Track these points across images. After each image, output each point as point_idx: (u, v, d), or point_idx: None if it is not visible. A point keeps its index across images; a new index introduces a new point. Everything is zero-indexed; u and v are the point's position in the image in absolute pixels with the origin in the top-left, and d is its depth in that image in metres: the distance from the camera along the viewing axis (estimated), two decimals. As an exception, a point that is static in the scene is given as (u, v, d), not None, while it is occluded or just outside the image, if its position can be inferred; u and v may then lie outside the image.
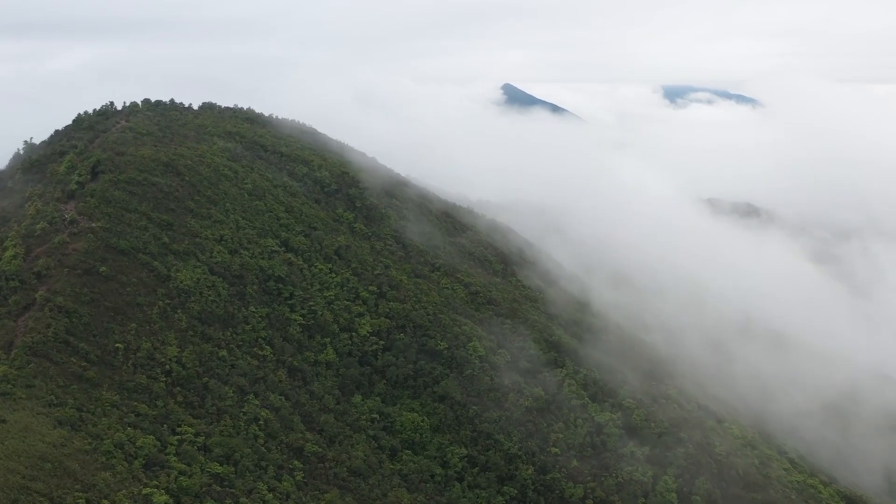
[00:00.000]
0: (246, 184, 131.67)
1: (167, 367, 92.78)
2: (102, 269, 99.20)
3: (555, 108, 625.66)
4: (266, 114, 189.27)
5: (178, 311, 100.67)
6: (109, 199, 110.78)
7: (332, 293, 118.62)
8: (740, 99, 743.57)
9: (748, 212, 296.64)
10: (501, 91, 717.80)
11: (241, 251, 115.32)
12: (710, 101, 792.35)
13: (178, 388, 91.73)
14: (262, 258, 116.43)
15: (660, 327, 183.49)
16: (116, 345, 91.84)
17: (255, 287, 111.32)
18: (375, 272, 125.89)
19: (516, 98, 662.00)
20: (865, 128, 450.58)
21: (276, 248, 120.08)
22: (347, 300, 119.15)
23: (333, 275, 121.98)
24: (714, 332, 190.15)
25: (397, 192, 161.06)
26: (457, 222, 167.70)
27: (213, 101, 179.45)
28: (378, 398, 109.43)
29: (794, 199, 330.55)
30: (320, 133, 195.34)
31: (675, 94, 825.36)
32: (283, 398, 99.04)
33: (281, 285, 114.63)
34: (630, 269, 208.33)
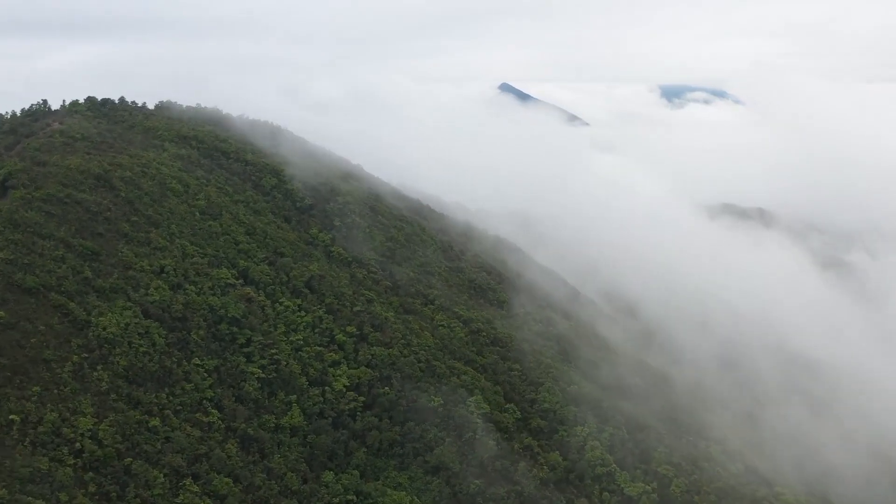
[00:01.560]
0: (199, 199, 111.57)
1: (78, 444, 72.77)
2: (0, 313, 79.05)
3: (552, 108, 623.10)
4: (236, 114, 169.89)
5: (99, 367, 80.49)
6: (18, 222, 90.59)
7: (300, 337, 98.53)
8: (738, 98, 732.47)
9: (753, 216, 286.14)
10: (499, 90, 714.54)
11: (187, 286, 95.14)
12: (707, 101, 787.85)
13: (91, 474, 71.83)
14: (213, 294, 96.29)
15: (678, 357, 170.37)
16: (11, 417, 71.79)
17: (201, 332, 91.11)
18: (355, 308, 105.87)
19: (514, 97, 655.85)
20: (867, 128, 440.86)
21: (232, 281, 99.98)
22: (320, 345, 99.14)
23: (303, 313, 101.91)
24: (736, 358, 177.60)
25: (385, 207, 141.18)
26: (454, 241, 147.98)
27: (189, 101, 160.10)
28: (356, 472, 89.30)
29: (794, 200, 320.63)
30: (299, 137, 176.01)
31: (672, 94, 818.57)
32: (231, 481, 79.06)
33: (235, 329, 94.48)
34: (637, 284, 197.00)
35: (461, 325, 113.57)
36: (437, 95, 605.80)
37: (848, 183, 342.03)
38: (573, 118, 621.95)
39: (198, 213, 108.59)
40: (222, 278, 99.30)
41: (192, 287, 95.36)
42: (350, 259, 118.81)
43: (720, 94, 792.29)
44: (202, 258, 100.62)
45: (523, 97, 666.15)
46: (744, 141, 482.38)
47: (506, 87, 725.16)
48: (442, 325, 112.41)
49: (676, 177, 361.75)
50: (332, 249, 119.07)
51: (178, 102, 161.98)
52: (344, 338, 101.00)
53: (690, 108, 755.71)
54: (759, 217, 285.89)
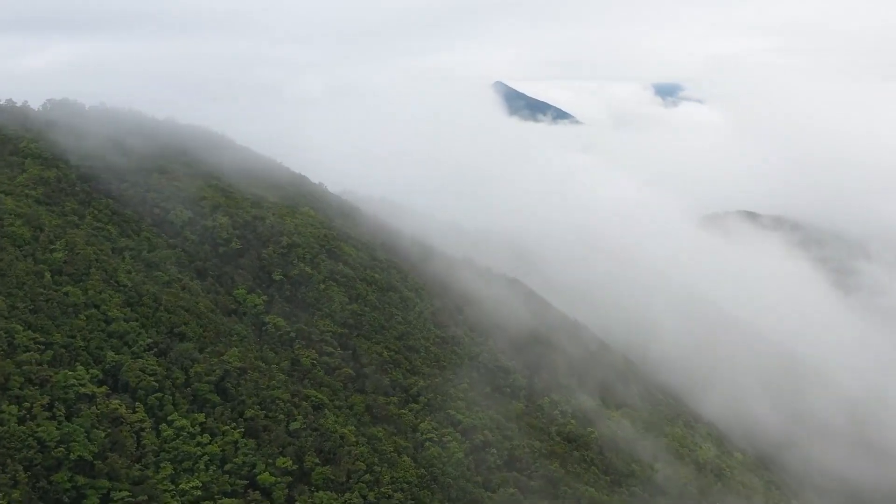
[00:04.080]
0: (54, 251, 75.94)
1: None
2: None
3: (547, 108, 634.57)
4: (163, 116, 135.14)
5: None
6: None
7: (196, 483, 62.91)
8: (733, 97, 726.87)
9: (749, 220, 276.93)
10: (493, 90, 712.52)
11: (4, 407, 59.35)
12: (701, 100, 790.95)
13: None
14: (51, 418, 60.59)
15: (727, 422, 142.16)
16: None
17: (17, 494, 55.32)
18: (293, 425, 70.38)
19: (508, 97, 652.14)
20: (866, 127, 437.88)
21: (90, 390, 64.20)
22: (230, 495, 63.48)
23: (206, 439, 66.32)
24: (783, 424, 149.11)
25: (348, 248, 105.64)
26: (448, 291, 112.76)
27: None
28: None
29: (793, 203, 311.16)
30: (243, 147, 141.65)
31: (666, 92, 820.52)
32: None
33: (84, 479, 58.75)
34: (625, 305, 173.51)
35: (459, 438, 78.36)
36: (427, 94, 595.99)
37: (848, 185, 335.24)
38: (569, 117, 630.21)
39: (49, 274, 72.84)
40: (72, 386, 63.50)
41: (14, 408, 59.56)
42: (293, 335, 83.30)
43: (715, 93, 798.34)
44: (41, 353, 64.81)
45: (517, 96, 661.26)
46: (738, 141, 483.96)
47: (499, 86, 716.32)
48: (431, 440, 77.19)
49: (669, 178, 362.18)
50: (267, 320, 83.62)
51: (80, 101, 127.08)
52: (272, 478, 65.38)
53: (684, 107, 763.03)
54: (755, 221, 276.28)
